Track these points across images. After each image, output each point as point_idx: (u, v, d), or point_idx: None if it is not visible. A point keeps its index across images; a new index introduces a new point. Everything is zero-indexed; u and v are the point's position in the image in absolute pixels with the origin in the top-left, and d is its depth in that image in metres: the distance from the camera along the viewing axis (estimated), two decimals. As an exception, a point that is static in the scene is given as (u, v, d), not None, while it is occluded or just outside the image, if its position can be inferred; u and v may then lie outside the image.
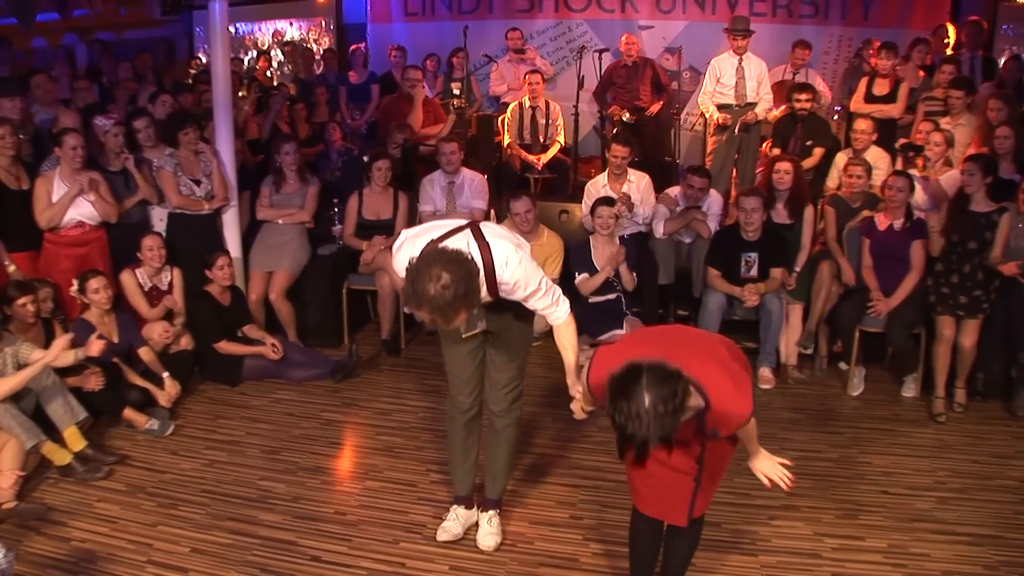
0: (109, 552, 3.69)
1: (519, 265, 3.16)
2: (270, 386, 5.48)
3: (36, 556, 3.64)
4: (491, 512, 3.85)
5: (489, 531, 3.79)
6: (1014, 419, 5.07)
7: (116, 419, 4.82)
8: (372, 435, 4.87)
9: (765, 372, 5.54)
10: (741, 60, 7.35)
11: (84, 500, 4.11)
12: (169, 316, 5.40)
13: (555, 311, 3.32)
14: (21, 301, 4.57)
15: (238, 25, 10.52)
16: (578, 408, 3.17)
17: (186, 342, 5.43)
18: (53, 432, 4.33)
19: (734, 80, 7.36)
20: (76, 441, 4.35)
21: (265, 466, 4.49)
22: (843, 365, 5.65)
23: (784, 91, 7.22)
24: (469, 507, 3.89)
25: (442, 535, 3.82)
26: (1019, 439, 4.84)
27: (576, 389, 3.22)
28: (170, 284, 5.44)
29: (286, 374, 5.56)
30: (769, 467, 2.92)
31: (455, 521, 3.85)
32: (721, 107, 7.43)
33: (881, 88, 7.15)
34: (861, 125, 6.31)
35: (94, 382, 4.68)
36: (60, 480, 4.26)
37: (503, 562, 3.67)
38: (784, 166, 5.77)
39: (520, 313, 3.46)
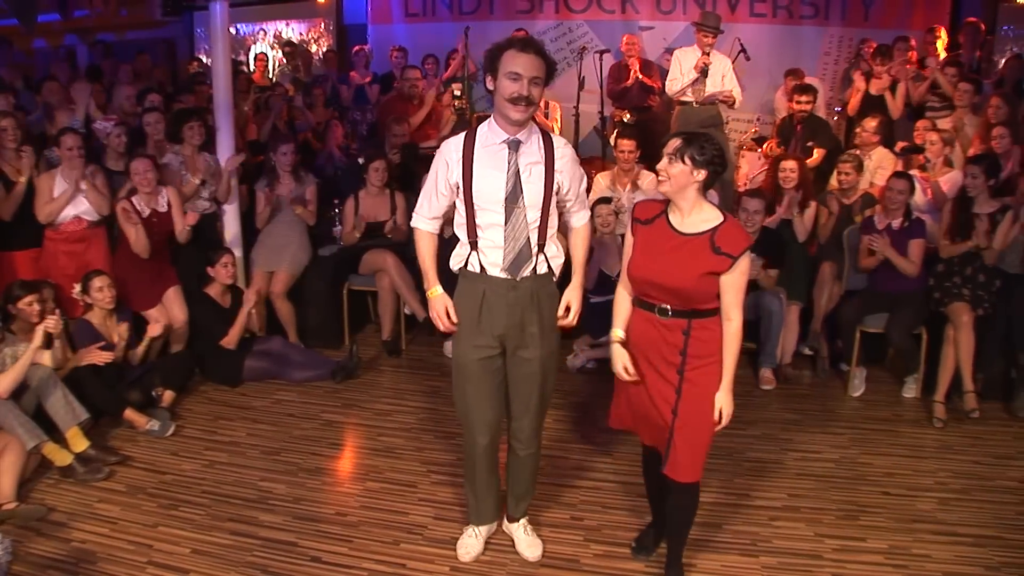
0: (109, 553, 3.69)
1: (573, 161, 3.36)
2: (270, 387, 5.48)
3: (36, 557, 3.64)
4: (523, 520, 3.79)
5: (530, 541, 3.74)
6: (1014, 420, 5.06)
7: (117, 420, 4.82)
8: (372, 436, 4.87)
9: (766, 373, 5.53)
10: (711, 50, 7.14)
11: (84, 501, 4.11)
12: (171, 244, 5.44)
13: (584, 212, 3.53)
14: (27, 299, 4.58)
15: (239, 26, 10.53)
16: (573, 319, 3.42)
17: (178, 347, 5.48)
18: (54, 433, 4.33)
19: (694, 75, 7.15)
20: (79, 442, 4.35)
21: (265, 467, 4.49)
22: (844, 366, 5.64)
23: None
24: (489, 523, 3.81)
25: (465, 556, 3.70)
26: (1020, 440, 4.83)
27: (576, 293, 3.42)
28: (168, 204, 5.40)
29: (287, 375, 5.56)
30: (726, 404, 3.16)
31: (476, 539, 3.75)
32: (681, 102, 7.33)
33: (878, 89, 7.14)
34: (868, 124, 6.30)
35: (97, 356, 4.70)
36: (60, 481, 4.26)
37: (503, 563, 3.67)
38: (789, 164, 5.80)
39: (550, 327, 3.41)
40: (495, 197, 3.23)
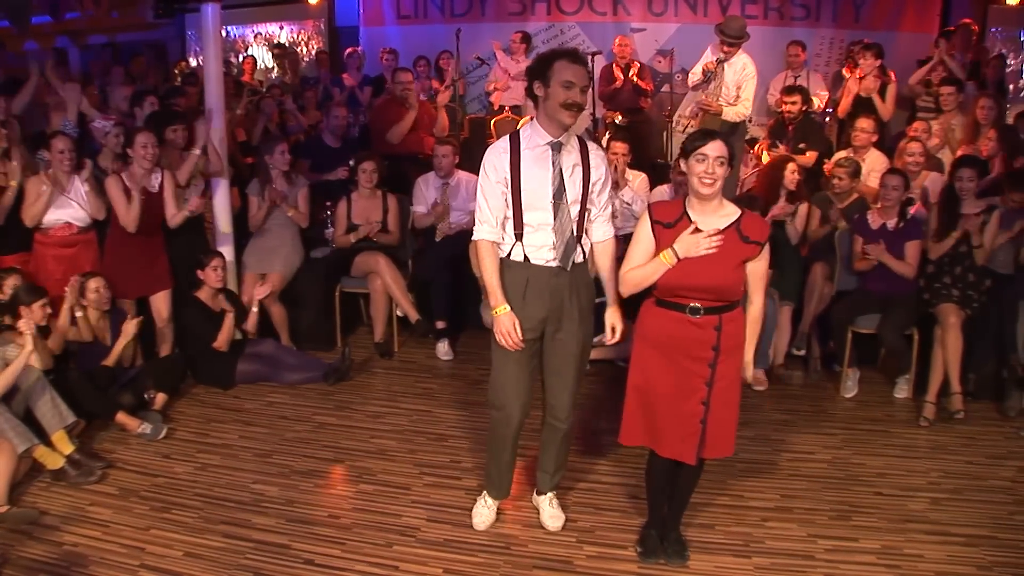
0: (101, 556, 3.68)
1: (605, 164, 3.59)
2: (263, 389, 5.47)
3: (28, 560, 3.63)
4: (550, 494, 3.99)
5: (553, 513, 3.95)
6: (1006, 420, 5.08)
7: (108, 423, 4.80)
8: (365, 438, 4.86)
9: (758, 374, 5.52)
10: (726, 60, 7.05)
11: (76, 504, 4.10)
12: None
13: (608, 225, 3.67)
14: (41, 302, 4.61)
15: (229, 28, 10.51)
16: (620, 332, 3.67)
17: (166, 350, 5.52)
18: (43, 436, 4.31)
19: (699, 77, 7.11)
20: (64, 445, 4.33)
21: (258, 469, 4.48)
22: (836, 367, 5.65)
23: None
24: (505, 497, 4.01)
25: (480, 523, 3.93)
26: (1011, 440, 4.85)
27: (617, 314, 3.67)
28: (161, 186, 5.33)
29: (279, 377, 5.54)
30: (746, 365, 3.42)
31: (491, 509, 3.97)
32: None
33: (867, 91, 7.16)
34: (862, 123, 6.29)
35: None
36: (52, 484, 4.25)
37: (497, 564, 3.67)
38: (793, 166, 5.83)
39: (587, 311, 3.65)
40: (543, 194, 3.46)
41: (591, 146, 3.57)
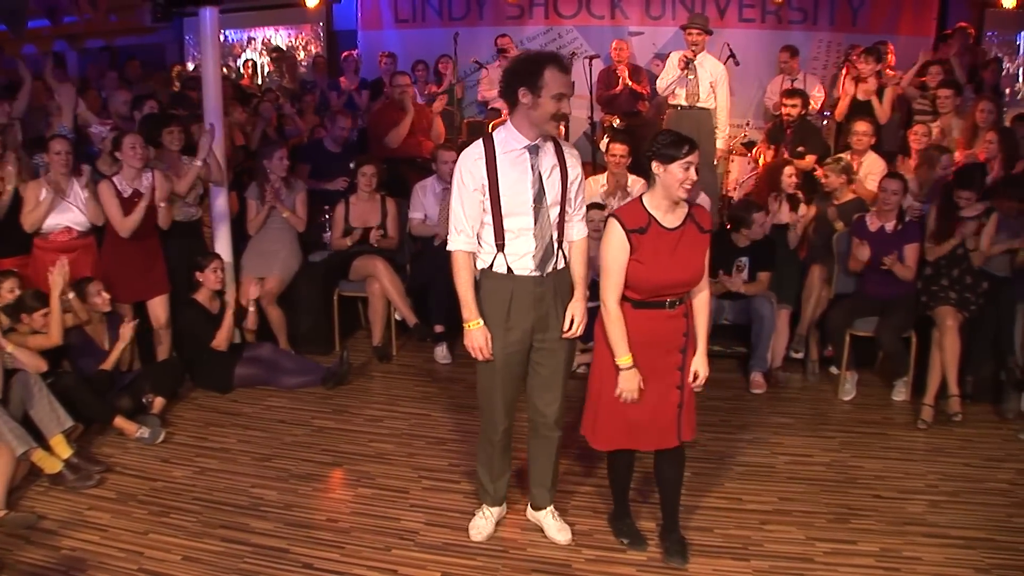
0: (100, 560, 3.68)
1: (579, 166, 3.56)
2: (261, 393, 5.47)
3: (26, 565, 3.62)
4: (551, 507, 3.92)
5: (560, 525, 3.88)
6: (1004, 422, 5.09)
7: (107, 427, 4.79)
8: (364, 442, 4.86)
9: (756, 377, 5.53)
10: (699, 51, 7.16)
11: (74, 508, 4.09)
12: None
13: (582, 224, 3.62)
14: (43, 311, 4.65)
15: (227, 32, 10.51)
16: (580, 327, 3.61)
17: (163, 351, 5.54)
18: (41, 440, 4.30)
19: (678, 72, 7.20)
20: (62, 449, 4.32)
21: (257, 473, 4.48)
22: (834, 370, 5.66)
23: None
24: (500, 504, 3.97)
25: (477, 535, 3.87)
26: (1009, 442, 4.85)
27: (580, 305, 3.59)
28: (152, 187, 5.31)
29: (277, 381, 5.54)
30: (703, 367, 3.50)
31: (488, 520, 3.91)
32: (671, 106, 7.37)
33: (865, 93, 7.18)
34: (860, 127, 6.29)
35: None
36: (50, 488, 4.24)
37: (495, 568, 3.67)
38: (791, 170, 5.90)
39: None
40: (523, 200, 3.41)
41: (565, 145, 3.55)
